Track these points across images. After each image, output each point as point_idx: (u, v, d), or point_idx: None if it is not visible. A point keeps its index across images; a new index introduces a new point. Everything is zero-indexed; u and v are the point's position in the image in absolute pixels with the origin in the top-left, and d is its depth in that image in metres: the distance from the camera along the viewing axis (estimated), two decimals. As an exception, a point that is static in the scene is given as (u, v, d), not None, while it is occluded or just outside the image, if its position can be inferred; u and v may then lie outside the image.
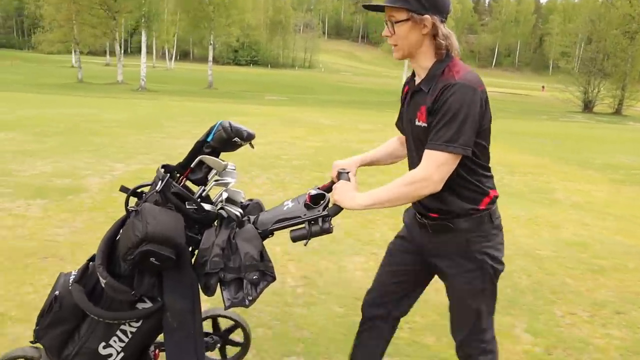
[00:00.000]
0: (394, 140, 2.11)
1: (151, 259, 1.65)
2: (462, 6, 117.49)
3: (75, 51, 48.96)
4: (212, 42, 34.05)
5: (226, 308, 1.75)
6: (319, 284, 3.64)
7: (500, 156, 10.33)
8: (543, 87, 71.60)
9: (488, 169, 1.82)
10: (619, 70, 35.54)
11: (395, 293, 2.03)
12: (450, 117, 1.60)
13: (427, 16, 1.65)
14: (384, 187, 1.67)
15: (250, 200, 2.01)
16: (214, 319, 2.42)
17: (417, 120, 1.74)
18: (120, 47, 35.01)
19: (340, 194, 1.72)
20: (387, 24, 1.72)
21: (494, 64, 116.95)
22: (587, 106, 36.69)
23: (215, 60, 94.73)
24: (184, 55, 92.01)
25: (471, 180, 1.75)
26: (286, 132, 12.04)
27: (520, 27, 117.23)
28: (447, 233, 1.80)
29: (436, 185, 1.63)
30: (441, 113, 1.62)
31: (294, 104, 24.33)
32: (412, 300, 2.08)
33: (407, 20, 1.67)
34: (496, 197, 1.82)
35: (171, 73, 54.56)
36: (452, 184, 1.70)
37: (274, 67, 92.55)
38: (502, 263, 1.83)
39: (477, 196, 1.77)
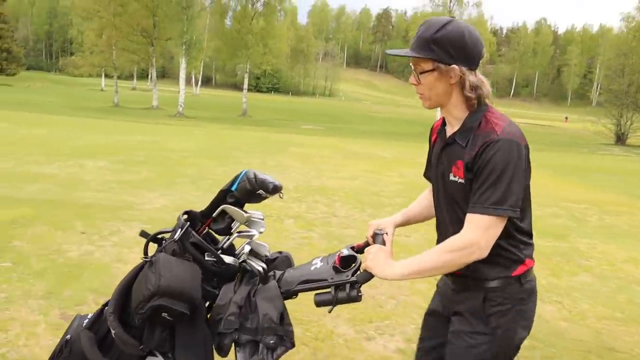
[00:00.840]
0: (428, 194, 1.91)
1: (163, 314, 1.56)
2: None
3: (111, 75, 50.32)
4: (247, 70, 34.50)
5: None
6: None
7: (580, 194, 10.23)
8: (566, 118, 71.50)
9: (529, 235, 1.64)
10: (651, 103, 35.44)
11: None
12: (497, 177, 1.47)
13: (454, 66, 1.53)
14: (423, 255, 1.53)
15: (280, 252, 1.86)
16: None
17: (451, 174, 1.60)
18: (149, 74, 35.70)
19: (373, 260, 1.56)
20: (413, 72, 1.61)
21: (512, 94, 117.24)
22: (620, 138, 36.45)
23: (238, 87, 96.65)
24: (206, 81, 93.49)
25: (506, 247, 1.58)
26: (357, 166, 12.03)
27: (538, 58, 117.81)
28: (468, 290, 1.65)
29: (483, 251, 1.49)
30: (486, 173, 1.48)
31: (334, 134, 24.40)
32: None
33: (433, 70, 1.55)
34: (532, 267, 1.64)
35: (199, 99, 55.18)
36: None
37: (295, 94, 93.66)
38: (521, 334, 1.61)
39: (510, 264, 1.60)
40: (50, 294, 3.60)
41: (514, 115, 70.89)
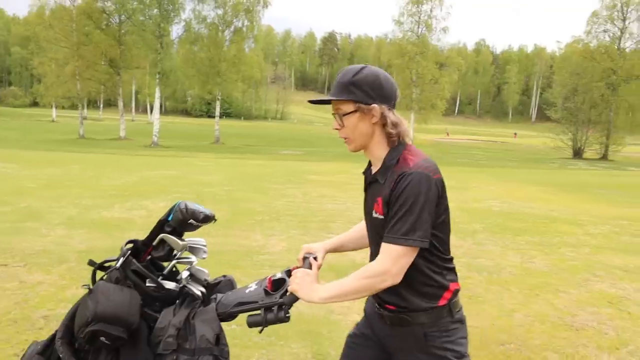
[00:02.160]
0: (363, 225, 1.98)
1: (101, 338, 1.66)
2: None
3: (62, 106, 48.35)
4: (219, 97, 34.18)
5: None
6: None
7: (611, 211, 10.74)
8: (515, 134, 74.96)
9: (449, 260, 1.74)
10: (602, 118, 37.86)
11: None
12: (408, 208, 1.56)
13: (374, 105, 1.64)
14: (343, 280, 1.63)
15: (224, 276, 1.98)
16: None
17: (374, 212, 1.69)
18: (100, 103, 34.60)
19: (298, 284, 1.64)
20: (335, 117, 1.70)
21: (456, 111, 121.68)
22: (577, 153, 38.60)
23: (188, 113, 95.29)
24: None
25: (430, 275, 1.68)
26: None
27: (479, 77, 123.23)
28: (404, 326, 1.73)
29: (394, 278, 1.59)
30: (398, 204, 1.58)
31: (323, 159, 24.51)
32: None
33: (355, 111, 1.65)
34: (457, 290, 1.75)
35: (161, 127, 53.85)
36: (410, 279, 1.64)
37: (247, 119, 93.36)
38: (465, 356, 1.74)
39: (436, 291, 1.70)
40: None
41: (462, 132, 73.94)
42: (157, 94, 31.23)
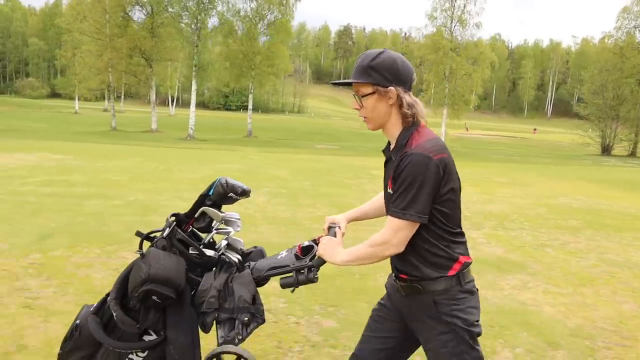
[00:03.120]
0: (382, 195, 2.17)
1: (153, 297, 1.87)
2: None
3: (86, 98, 48.68)
4: (251, 91, 34.28)
5: (219, 345, 1.97)
6: None
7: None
8: (535, 129, 74.42)
9: (458, 234, 1.84)
10: (631, 115, 37.60)
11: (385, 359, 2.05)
12: (406, 186, 1.70)
13: (391, 88, 1.77)
14: (357, 247, 1.82)
15: (255, 247, 2.22)
16: (238, 357, 2.51)
17: (387, 187, 1.85)
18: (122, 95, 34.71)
19: (324, 248, 1.88)
20: (355, 98, 1.84)
21: (472, 106, 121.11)
22: (606, 149, 38.40)
23: (206, 106, 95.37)
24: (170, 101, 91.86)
25: (439, 246, 1.79)
26: (490, 189, 12.24)
27: (495, 72, 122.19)
28: (417, 295, 1.84)
29: (396, 248, 1.75)
30: (399, 182, 1.72)
31: (358, 154, 24.56)
32: None
33: (373, 93, 1.78)
34: (468, 263, 1.85)
35: (176, 119, 54.05)
36: (420, 249, 1.79)
37: (265, 112, 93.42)
38: (475, 325, 1.83)
39: (445, 262, 1.80)
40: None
41: (479, 127, 73.34)
42: (194, 87, 31.37)
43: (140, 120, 44.63)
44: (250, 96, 34.78)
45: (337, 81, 1.94)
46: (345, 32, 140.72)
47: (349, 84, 1.85)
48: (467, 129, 68.55)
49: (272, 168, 14.47)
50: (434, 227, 1.77)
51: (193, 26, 30.46)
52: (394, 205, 1.73)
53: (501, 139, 54.59)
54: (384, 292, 2.06)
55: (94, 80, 34.24)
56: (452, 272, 1.80)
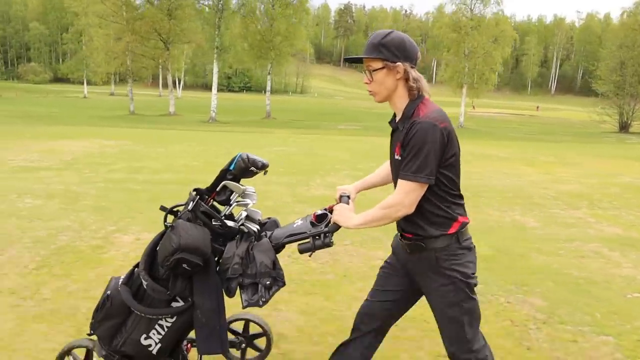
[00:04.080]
0: (387, 164, 2.36)
1: (183, 265, 2.03)
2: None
3: (93, 82, 48.34)
4: (270, 72, 34.13)
5: (244, 307, 2.11)
6: None
7: None
8: (538, 107, 74.33)
9: (458, 197, 2.05)
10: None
11: (385, 310, 2.27)
12: (416, 151, 1.88)
13: (399, 63, 1.96)
14: (370, 210, 2.01)
15: (269, 218, 2.38)
16: (247, 322, 2.81)
17: (395, 154, 2.03)
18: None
19: (338, 214, 2.06)
20: (365, 73, 2.03)
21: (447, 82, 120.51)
22: (624, 126, 38.42)
23: (208, 87, 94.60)
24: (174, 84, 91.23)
25: (440, 207, 1.99)
26: (520, 168, 12.37)
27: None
28: (420, 252, 2.05)
29: (408, 209, 1.94)
30: (409, 148, 1.90)
31: (381, 134, 24.56)
32: (400, 316, 2.34)
33: (383, 68, 1.98)
34: (465, 222, 2.06)
35: (185, 102, 53.81)
36: (423, 210, 1.98)
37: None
38: (472, 277, 2.04)
39: (445, 221, 2.01)
40: None
41: (484, 105, 73.05)
42: (215, 70, 31.16)
43: (152, 104, 44.48)
44: (269, 77, 34.63)
45: (350, 57, 2.11)
46: (345, 11, 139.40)
47: (359, 61, 2.04)
48: (473, 107, 68.31)
49: (325, 150, 14.57)
50: (437, 190, 1.96)
51: (217, 7, 30.08)
52: (405, 169, 1.91)
53: (509, 117, 54.37)
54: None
55: (112, 64, 33.93)
56: (451, 231, 2.00)
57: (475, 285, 2.06)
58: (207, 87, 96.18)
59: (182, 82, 71.52)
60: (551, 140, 26.21)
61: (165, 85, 76.14)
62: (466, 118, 35.76)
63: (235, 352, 2.77)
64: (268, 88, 35.05)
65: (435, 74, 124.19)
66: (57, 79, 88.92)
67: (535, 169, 12.35)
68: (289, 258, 4.51)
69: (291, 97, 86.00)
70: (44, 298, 3.65)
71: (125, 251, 4.75)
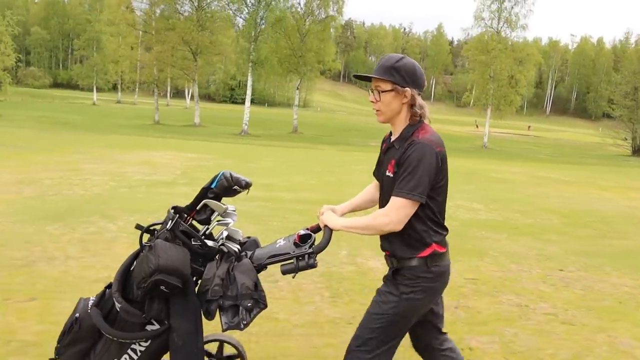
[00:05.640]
0: (372, 187, 2.42)
1: (161, 287, 1.95)
2: (439, 48, 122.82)
3: (102, 89, 48.13)
4: (298, 87, 34.38)
5: (224, 330, 2.08)
6: None
7: None
8: (529, 127, 74.31)
9: (439, 225, 2.09)
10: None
11: (428, 322, 2.30)
12: (412, 169, 1.94)
13: (407, 89, 2.03)
14: (359, 217, 2.10)
15: (249, 237, 2.33)
16: (221, 343, 2.69)
17: (387, 171, 2.09)
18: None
19: (326, 217, 2.15)
20: (373, 92, 2.09)
21: (472, 103, 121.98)
22: (637, 150, 39.24)
23: (212, 98, 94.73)
24: (175, 94, 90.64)
25: (417, 230, 2.04)
26: (621, 193, 12.59)
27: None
28: (394, 268, 2.11)
29: (396, 225, 1.99)
30: (405, 166, 1.96)
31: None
32: (440, 316, 2.34)
33: (392, 90, 2.04)
34: (440, 252, 2.09)
35: (188, 112, 53.45)
36: (402, 231, 2.02)
37: (271, 106, 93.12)
38: (423, 305, 2.12)
39: (419, 245, 2.05)
40: None
41: (483, 124, 73.63)
42: (249, 82, 31.30)
43: (169, 114, 44.27)
44: (297, 92, 34.87)
45: (360, 74, 2.17)
46: (347, 27, 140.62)
47: (367, 79, 2.09)
48: (477, 127, 68.84)
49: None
50: (420, 213, 2.01)
51: (255, 21, 30.27)
52: (400, 186, 1.96)
53: (519, 138, 54.95)
54: None
55: (142, 73, 33.88)
56: (422, 255, 2.04)
57: (415, 314, 2.11)
58: (209, 98, 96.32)
59: (191, 93, 71.25)
60: (581, 162, 26.65)
61: (172, 95, 76.49)
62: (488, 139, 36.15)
63: None
64: (296, 102, 35.36)
65: (434, 93, 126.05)
66: (57, 84, 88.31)
67: (611, 193, 12.63)
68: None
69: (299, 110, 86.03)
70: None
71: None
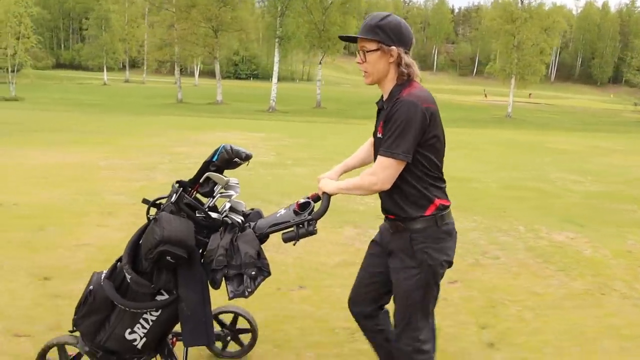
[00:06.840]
0: (365, 145, 2.43)
1: (167, 257, 2.02)
2: (440, 17, 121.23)
3: (112, 68, 47.62)
4: (321, 62, 34.23)
5: (230, 298, 2.11)
6: None
7: None
8: (530, 94, 71.97)
9: (438, 179, 2.07)
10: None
11: (372, 292, 2.33)
12: (394, 129, 1.91)
13: (393, 47, 1.97)
14: (351, 179, 2.09)
15: (252, 209, 2.38)
16: (236, 315, 2.81)
17: (377, 133, 2.08)
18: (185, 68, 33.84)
19: (323, 184, 2.17)
20: (359, 53, 2.04)
21: (474, 72, 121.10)
22: (655, 117, 39.29)
23: (215, 75, 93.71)
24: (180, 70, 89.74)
25: (417, 187, 2.02)
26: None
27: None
28: (400, 232, 2.08)
29: (382, 185, 1.98)
30: (389, 125, 1.93)
31: (469, 125, 24.86)
32: (390, 294, 2.28)
33: (377, 50, 1.98)
34: (444, 205, 2.07)
35: (200, 90, 53.17)
36: (401, 189, 2.02)
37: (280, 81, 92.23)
38: (442, 265, 2.07)
39: (423, 202, 2.03)
40: None
41: (491, 93, 73.11)
42: (276, 59, 31.16)
43: (186, 92, 43.95)
44: (320, 66, 34.71)
45: (345, 35, 2.18)
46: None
47: (353, 40, 2.07)
48: (485, 96, 68.25)
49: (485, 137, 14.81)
50: (415, 169, 1.99)
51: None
52: (384, 146, 1.94)
53: (530, 106, 54.56)
54: None
55: (162, 51, 33.63)
56: (428, 213, 2.02)
57: (442, 275, 2.10)
58: (213, 74, 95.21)
59: (199, 70, 70.74)
60: (611, 130, 26.60)
61: (181, 73, 75.62)
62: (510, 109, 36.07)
63: (217, 344, 2.78)
64: (319, 77, 35.19)
65: (436, 62, 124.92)
66: (59, 65, 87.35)
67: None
68: None
69: (300, 84, 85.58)
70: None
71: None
